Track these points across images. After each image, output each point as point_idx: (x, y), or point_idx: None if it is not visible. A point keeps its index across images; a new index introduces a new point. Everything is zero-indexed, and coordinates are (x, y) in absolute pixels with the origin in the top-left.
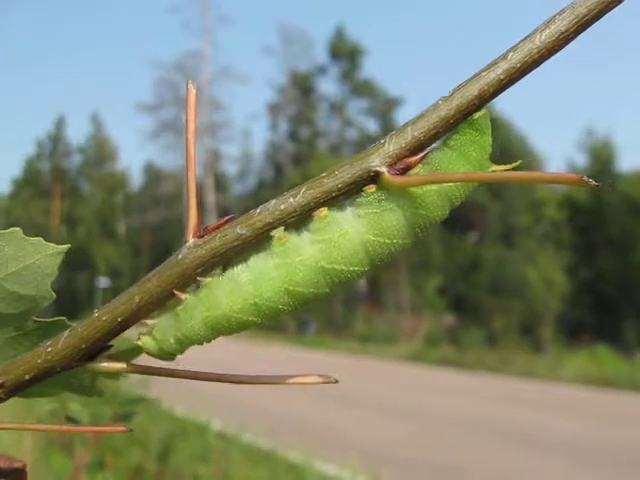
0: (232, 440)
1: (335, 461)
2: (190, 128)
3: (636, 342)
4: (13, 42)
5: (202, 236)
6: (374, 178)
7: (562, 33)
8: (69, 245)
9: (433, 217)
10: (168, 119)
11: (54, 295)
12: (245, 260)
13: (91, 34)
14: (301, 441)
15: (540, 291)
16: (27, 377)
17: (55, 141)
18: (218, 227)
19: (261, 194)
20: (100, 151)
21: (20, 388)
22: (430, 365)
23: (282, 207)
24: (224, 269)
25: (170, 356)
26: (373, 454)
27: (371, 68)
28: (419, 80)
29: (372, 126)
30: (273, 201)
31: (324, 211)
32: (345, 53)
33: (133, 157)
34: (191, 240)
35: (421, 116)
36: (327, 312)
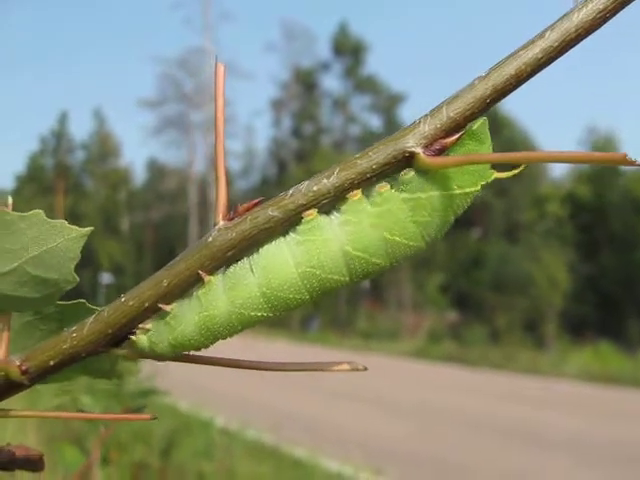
0: (236, 436)
1: (338, 457)
2: (219, 103)
3: (639, 339)
4: (16, 39)
5: (232, 219)
6: (409, 159)
7: (600, 12)
8: (92, 228)
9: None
10: (171, 115)
11: (77, 279)
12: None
13: (93, 31)
14: (305, 437)
15: (543, 288)
16: (52, 363)
17: (58, 137)
18: (248, 209)
19: (264, 190)
20: (103, 147)
21: (44, 374)
22: (433, 362)
23: (315, 188)
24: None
25: (161, 358)
26: (376, 450)
27: (374, 64)
28: (423, 76)
29: (375, 122)
30: (306, 182)
31: (358, 194)
32: (348, 49)
33: (136, 153)
34: (221, 222)
35: (457, 96)
36: (330, 309)
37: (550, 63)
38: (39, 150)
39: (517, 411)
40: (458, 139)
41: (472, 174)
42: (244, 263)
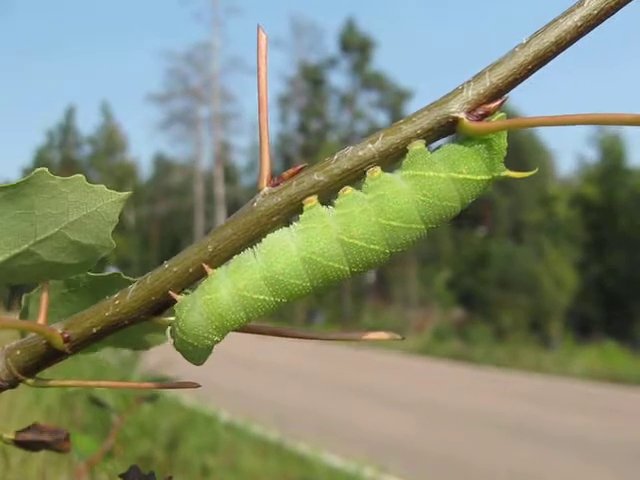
0: (240, 431)
1: (342, 453)
2: (262, 74)
3: None
4: (23, 33)
5: (277, 184)
6: (452, 124)
7: None
8: (131, 192)
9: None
10: (178, 110)
11: (114, 244)
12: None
13: (101, 25)
14: (309, 433)
15: (549, 287)
16: (94, 330)
17: (65, 131)
18: (292, 175)
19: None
20: (110, 141)
21: (86, 342)
22: (438, 359)
23: (360, 153)
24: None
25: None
26: (380, 446)
27: (381, 61)
28: (430, 73)
29: (382, 119)
30: (351, 147)
31: (419, 144)
32: (355, 45)
33: (143, 148)
34: (265, 188)
35: (498, 63)
36: (335, 304)
37: (589, 31)
38: (46, 144)
39: (522, 409)
40: (500, 105)
41: (484, 162)
42: (247, 250)
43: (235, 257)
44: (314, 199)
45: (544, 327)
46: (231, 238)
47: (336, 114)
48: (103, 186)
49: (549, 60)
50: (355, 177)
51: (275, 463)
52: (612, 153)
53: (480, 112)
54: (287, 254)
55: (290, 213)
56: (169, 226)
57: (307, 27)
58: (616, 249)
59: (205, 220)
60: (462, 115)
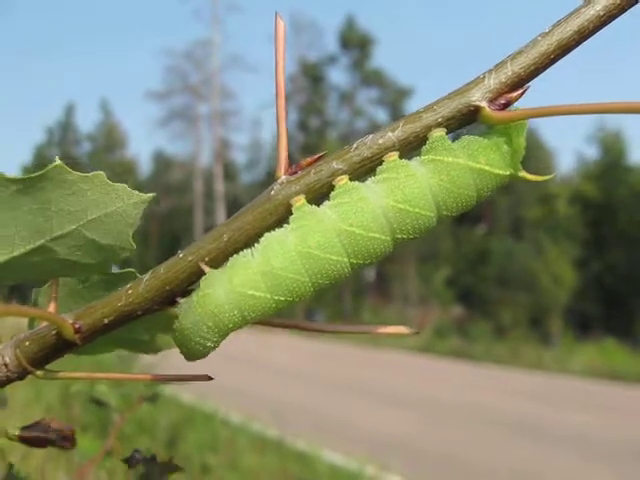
0: (240, 429)
1: (343, 451)
2: (279, 62)
3: None
4: (23, 31)
5: (294, 172)
6: (474, 113)
7: None
8: (154, 194)
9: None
10: (177, 107)
11: (134, 246)
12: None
13: (100, 23)
14: (309, 431)
15: (549, 284)
16: (106, 321)
17: (65, 129)
18: (310, 164)
19: (269, 183)
20: (109, 138)
21: (97, 333)
22: (438, 357)
23: (380, 141)
24: None
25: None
26: (381, 444)
27: (381, 58)
28: (429, 70)
29: (382, 116)
30: (370, 135)
31: (440, 131)
32: (355, 43)
33: (142, 145)
34: (283, 176)
35: (520, 52)
36: (335, 302)
37: (612, 20)
38: (45, 141)
39: (522, 407)
40: (522, 94)
41: (502, 157)
42: (246, 249)
43: (234, 256)
44: (302, 198)
45: (544, 324)
46: (246, 227)
47: (336, 111)
48: (125, 185)
49: (571, 49)
50: (374, 165)
51: (275, 461)
52: (612, 151)
53: (502, 101)
54: (285, 248)
55: (308, 202)
56: (169, 223)
57: (307, 24)
58: (615, 246)
59: (205, 217)
60: (484, 104)
